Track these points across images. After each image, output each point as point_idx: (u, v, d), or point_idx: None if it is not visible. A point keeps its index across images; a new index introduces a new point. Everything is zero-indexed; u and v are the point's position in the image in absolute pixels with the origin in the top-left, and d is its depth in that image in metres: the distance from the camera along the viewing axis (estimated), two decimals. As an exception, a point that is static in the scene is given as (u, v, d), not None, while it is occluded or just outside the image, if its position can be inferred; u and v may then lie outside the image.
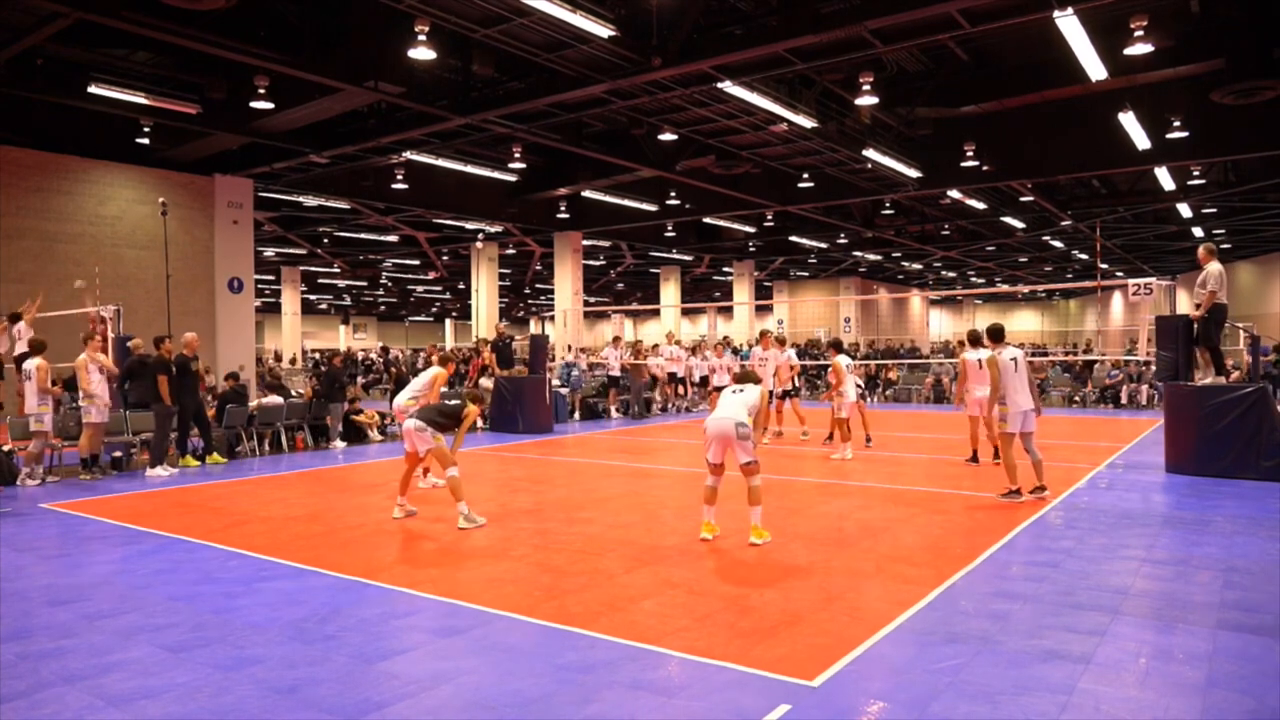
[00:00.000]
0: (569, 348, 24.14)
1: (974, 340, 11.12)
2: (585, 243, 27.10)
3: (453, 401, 7.84)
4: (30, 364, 10.20)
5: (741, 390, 6.77)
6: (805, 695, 3.76)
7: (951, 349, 27.76)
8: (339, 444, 13.51)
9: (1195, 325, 9.92)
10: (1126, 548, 6.39)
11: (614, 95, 13.17)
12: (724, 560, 6.12)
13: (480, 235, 26.90)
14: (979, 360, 10.63)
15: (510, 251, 31.64)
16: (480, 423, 16.22)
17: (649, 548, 6.51)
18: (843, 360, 11.78)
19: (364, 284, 44.37)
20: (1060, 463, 10.54)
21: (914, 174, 17.95)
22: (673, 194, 22.67)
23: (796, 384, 14.49)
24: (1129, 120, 14.35)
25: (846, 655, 4.20)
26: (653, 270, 38.52)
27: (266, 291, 41.29)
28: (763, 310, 45.37)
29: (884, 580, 5.55)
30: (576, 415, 18.02)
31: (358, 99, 13.35)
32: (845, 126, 15.84)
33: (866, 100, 13.22)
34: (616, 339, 19.59)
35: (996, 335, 8.86)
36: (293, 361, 33.64)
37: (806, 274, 42.56)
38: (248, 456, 12.38)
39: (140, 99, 13.10)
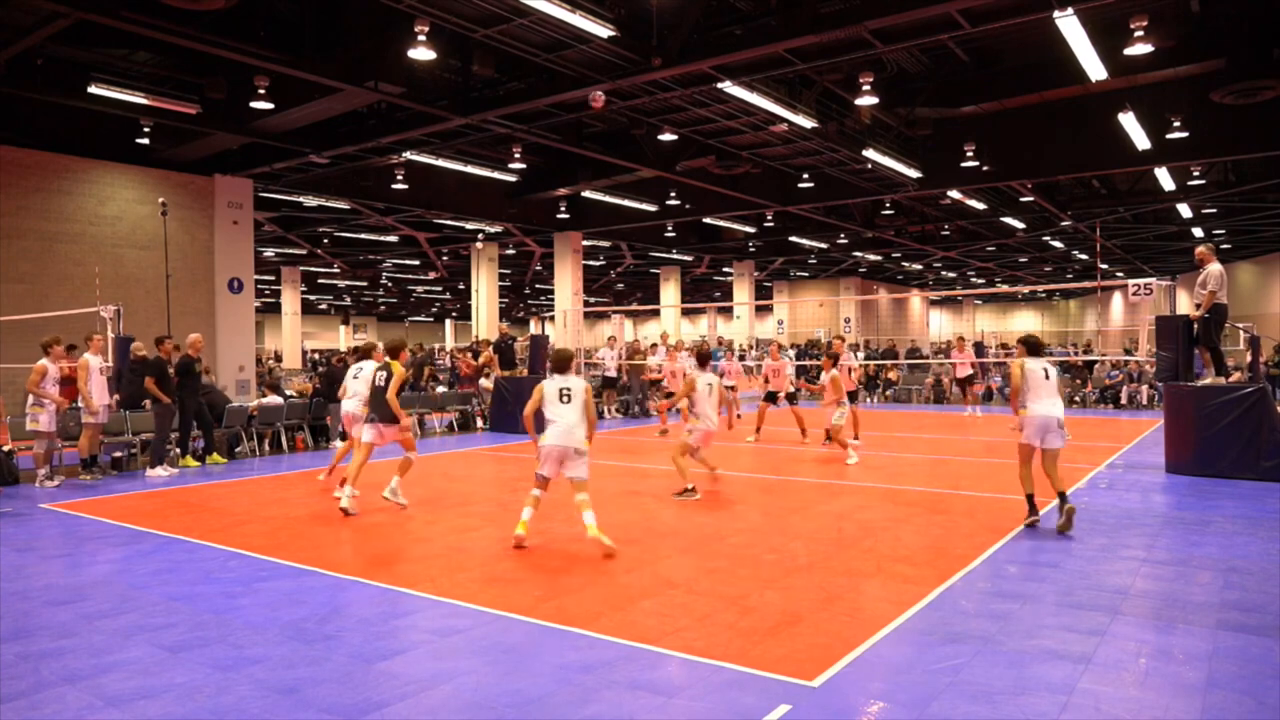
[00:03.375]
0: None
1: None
2: (585, 243, 27.08)
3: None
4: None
5: (570, 393, 6.65)
6: (805, 695, 3.76)
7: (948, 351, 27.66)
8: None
9: (1195, 325, 9.93)
10: (1126, 548, 6.39)
11: (614, 95, 13.15)
12: (724, 560, 6.11)
13: (480, 235, 26.88)
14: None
15: (510, 251, 31.62)
16: (480, 422, 16.26)
17: (649, 548, 6.51)
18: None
19: (364, 284, 44.35)
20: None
21: (914, 174, 17.93)
22: (673, 194, 22.65)
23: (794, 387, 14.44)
24: (1129, 120, 14.34)
25: (846, 655, 4.20)
26: (653, 270, 38.52)
27: (266, 291, 41.30)
28: (763, 311, 45.38)
29: (884, 580, 5.54)
30: None
31: (358, 99, 13.34)
32: (845, 126, 15.82)
33: (866, 100, 13.21)
34: (612, 339, 19.54)
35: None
36: (277, 359, 33.50)
37: (806, 274, 42.55)
38: (248, 456, 12.38)
39: (140, 99, 13.08)
